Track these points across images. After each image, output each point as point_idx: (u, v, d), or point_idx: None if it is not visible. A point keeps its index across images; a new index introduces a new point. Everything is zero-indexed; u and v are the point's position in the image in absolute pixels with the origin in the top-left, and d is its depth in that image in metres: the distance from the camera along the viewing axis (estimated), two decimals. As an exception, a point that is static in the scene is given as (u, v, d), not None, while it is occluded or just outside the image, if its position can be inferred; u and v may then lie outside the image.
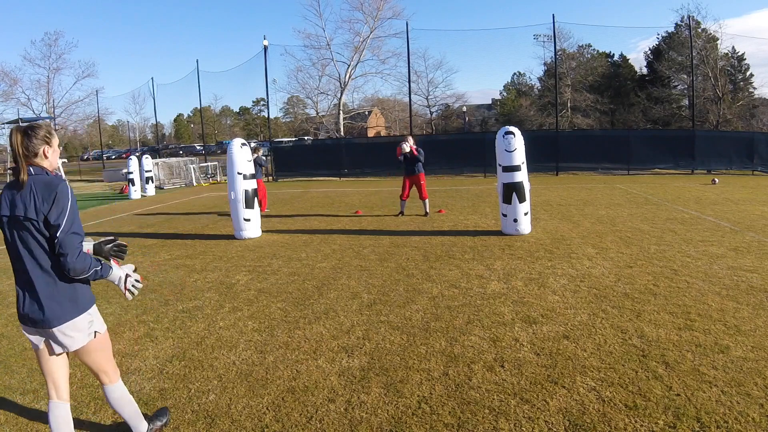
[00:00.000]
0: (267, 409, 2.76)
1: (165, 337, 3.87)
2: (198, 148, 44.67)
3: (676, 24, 30.56)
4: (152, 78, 48.04)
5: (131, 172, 16.47)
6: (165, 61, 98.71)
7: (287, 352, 3.49)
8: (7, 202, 2.05)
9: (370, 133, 44.24)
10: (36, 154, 2.08)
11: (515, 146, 7.02)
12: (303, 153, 22.38)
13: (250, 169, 7.86)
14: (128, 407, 2.40)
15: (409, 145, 8.95)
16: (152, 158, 19.37)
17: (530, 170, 8.56)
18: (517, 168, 7.03)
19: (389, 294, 4.69)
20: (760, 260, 5.33)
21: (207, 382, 3.09)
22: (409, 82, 22.44)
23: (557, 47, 24.77)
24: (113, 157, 48.87)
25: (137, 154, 19.72)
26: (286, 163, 21.68)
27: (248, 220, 7.76)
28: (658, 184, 13.95)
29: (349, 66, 29.27)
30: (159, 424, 2.59)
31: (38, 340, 2.16)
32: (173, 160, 23.81)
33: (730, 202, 9.86)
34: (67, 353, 2.22)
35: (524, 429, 2.46)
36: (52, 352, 2.19)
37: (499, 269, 5.39)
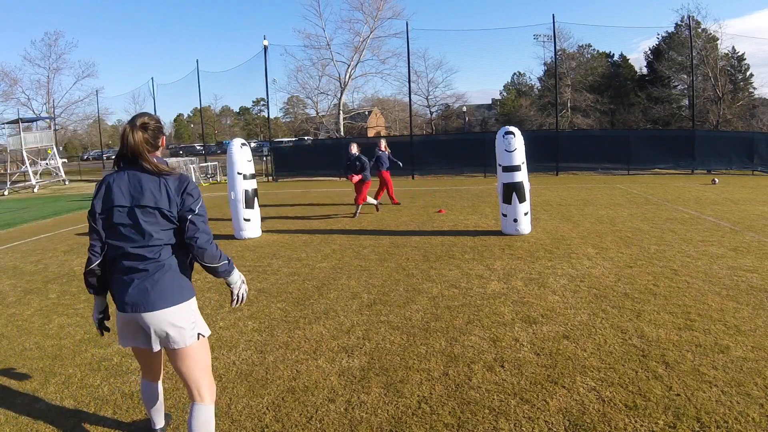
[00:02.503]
0: (267, 409, 2.76)
1: (165, 337, 3.87)
2: (198, 148, 44.66)
3: (676, 24, 30.60)
4: (152, 78, 48.00)
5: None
6: (165, 61, 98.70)
7: (287, 352, 3.49)
8: (123, 192, 2.04)
9: (370, 133, 44.23)
10: (156, 147, 2.12)
11: (515, 146, 7.02)
12: (303, 153, 22.38)
13: (250, 169, 7.86)
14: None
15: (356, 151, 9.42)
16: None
17: (530, 170, 8.56)
18: (517, 168, 7.03)
19: (389, 294, 4.69)
20: (760, 260, 5.33)
21: (207, 382, 3.09)
22: (409, 82, 22.45)
23: (557, 47, 24.78)
24: (113, 157, 48.77)
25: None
26: (286, 163, 21.67)
27: (248, 220, 7.76)
28: (658, 184, 13.95)
29: (349, 66, 29.29)
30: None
31: (134, 335, 2.09)
32: (173, 160, 23.81)
33: (730, 202, 9.86)
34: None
35: (524, 429, 2.46)
36: (147, 351, 2.13)
37: (499, 269, 5.39)
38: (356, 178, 9.30)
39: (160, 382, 2.41)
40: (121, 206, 2.03)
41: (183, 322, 2.05)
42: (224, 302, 4.68)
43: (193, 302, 2.14)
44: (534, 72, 57.57)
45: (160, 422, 2.50)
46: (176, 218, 2.05)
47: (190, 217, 2.03)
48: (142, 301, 1.98)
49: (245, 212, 7.73)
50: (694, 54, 23.03)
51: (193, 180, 2.10)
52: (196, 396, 2.12)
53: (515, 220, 7.13)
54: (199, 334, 2.13)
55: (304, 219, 9.77)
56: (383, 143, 10.77)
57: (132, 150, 2.03)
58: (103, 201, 2.08)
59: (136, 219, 2.01)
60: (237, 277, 2.25)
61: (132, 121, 2.07)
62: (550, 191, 12.88)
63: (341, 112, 30.23)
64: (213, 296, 4.89)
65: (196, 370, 2.11)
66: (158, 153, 2.15)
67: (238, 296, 2.27)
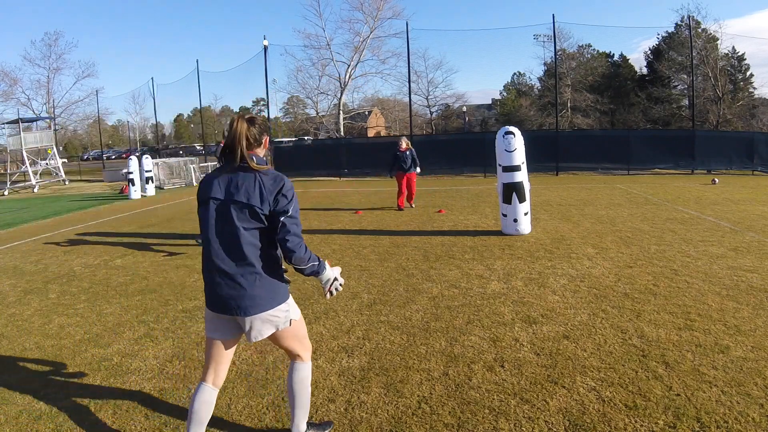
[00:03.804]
0: (267, 409, 2.76)
1: (165, 337, 3.87)
2: (198, 148, 44.66)
3: (676, 24, 30.58)
4: (152, 78, 48.06)
5: (131, 172, 16.46)
6: (165, 61, 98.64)
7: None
8: (220, 186, 2.07)
9: (370, 133, 44.22)
10: (260, 144, 2.14)
11: (515, 146, 7.02)
12: (303, 153, 22.38)
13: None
14: (302, 393, 2.30)
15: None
16: (152, 158, 19.36)
17: (530, 170, 8.56)
18: (517, 168, 7.03)
19: (389, 294, 4.69)
20: (760, 260, 5.33)
21: (207, 382, 3.09)
22: (409, 82, 22.46)
23: (557, 47, 24.78)
24: (113, 157, 48.84)
25: (137, 154, 19.71)
26: (286, 163, 21.68)
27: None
28: (658, 184, 13.95)
29: (349, 66, 29.29)
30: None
31: (222, 329, 2.14)
32: (173, 160, 23.80)
33: (730, 202, 9.86)
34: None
35: (524, 429, 2.46)
36: (229, 344, 2.19)
37: (499, 269, 5.39)
38: (412, 174, 9.99)
39: (303, 363, 2.31)
40: (215, 199, 2.07)
41: (277, 320, 2.13)
42: (224, 302, 4.67)
43: (286, 302, 2.18)
44: (534, 72, 57.55)
45: None
46: (267, 217, 2.06)
47: (283, 219, 2.04)
48: (234, 306, 2.05)
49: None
50: (694, 54, 23.03)
51: (288, 181, 2.13)
52: (296, 359, 2.30)
53: (515, 220, 7.13)
54: (291, 320, 2.20)
55: (304, 219, 9.77)
56: (404, 143, 10.06)
57: (233, 137, 2.05)
58: (201, 193, 2.13)
59: (228, 214, 2.04)
60: (328, 276, 2.22)
61: (242, 114, 2.14)
62: (550, 191, 12.88)
63: (341, 112, 30.22)
64: (213, 296, 4.88)
65: (294, 344, 2.26)
66: (260, 151, 2.16)
67: (329, 292, 2.27)
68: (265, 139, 2.16)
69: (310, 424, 2.44)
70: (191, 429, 2.17)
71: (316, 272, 2.16)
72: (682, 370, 2.97)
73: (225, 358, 2.21)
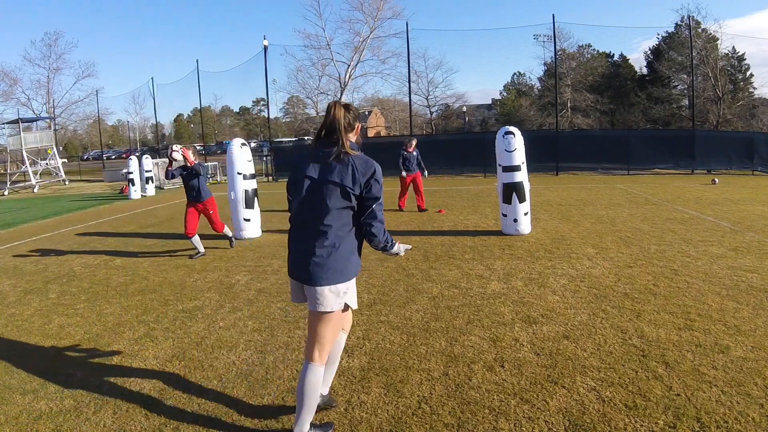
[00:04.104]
0: (267, 409, 2.76)
1: (165, 337, 3.87)
2: (198, 148, 44.59)
3: (676, 24, 30.59)
4: (152, 78, 48.07)
5: (131, 172, 16.47)
6: (165, 61, 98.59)
7: (287, 352, 3.49)
8: (314, 166, 2.23)
9: (370, 133, 44.23)
10: (353, 129, 2.28)
11: (515, 146, 7.02)
12: (303, 153, 22.34)
13: (250, 169, 7.86)
14: (312, 396, 2.29)
15: (180, 152, 6.60)
16: (152, 158, 19.36)
17: (530, 170, 8.56)
18: (517, 168, 7.03)
19: (389, 294, 4.69)
20: (760, 260, 5.33)
21: (207, 382, 3.09)
22: (409, 82, 22.47)
23: (557, 47, 24.78)
24: (113, 157, 48.85)
25: (137, 154, 19.71)
26: (286, 163, 21.68)
27: (248, 220, 7.76)
28: (658, 184, 13.95)
29: (349, 66, 29.30)
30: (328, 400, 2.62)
31: (300, 294, 2.34)
32: (173, 160, 23.77)
33: (730, 202, 9.86)
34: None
35: (524, 429, 2.46)
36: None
37: (499, 269, 5.39)
38: (418, 174, 9.87)
39: (317, 366, 2.31)
40: (310, 177, 2.22)
41: (334, 298, 2.24)
42: (224, 302, 4.68)
43: (352, 281, 2.31)
44: (534, 72, 57.56)
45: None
46: (357, 198, 2.20)
47: (373, 205, 2.22)
48: (308, 274, 2.21)
49: (245, 212, 7.73)
50: (694, 54, 23.03)
51: (378, 167, 2.27)
52: (315, 354, 2.31)
53: (515, 220, 7.13)
54: (346, 304, 2.31)
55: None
56: (413, 143, 9.88)
57: (331, 122, 2.20)
58: (294, 171, 2.29)
59: (320, 192, 2.19)
60: (395, 251, 2.39)
61: (337, 100, 2.30)
62: (550, 191, 12.88)
63: (341, 112, 30.16)
64: (213, 296, 4.89)
65: (326, 333, 2.31)
66: (352, 137, 2.30)
67: (394, 255, 2.44)
68: (357, 125, 2.32)
69: (313, 424, 2.45)
70: (303, 406, 2.29)
71: (389, 248, 2.35)
72: (682, 370, 2.97)
73: (309, 323, 2.36)
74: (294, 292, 2.39)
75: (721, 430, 2.37)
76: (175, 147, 6.62)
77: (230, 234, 7.19)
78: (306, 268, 2.21)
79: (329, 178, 2.18)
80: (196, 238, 6.68)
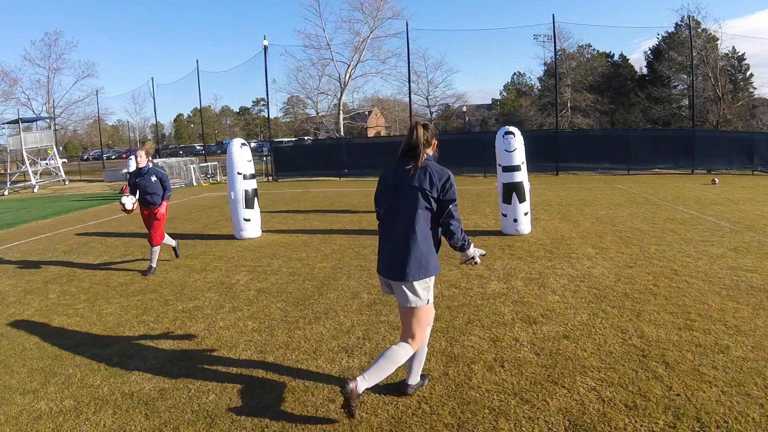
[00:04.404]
0: (267, 409, 2.76)
1: (165, 337, 3.87)
2: (198, 148, 44.65)
3: (676, 24, 30.58)
4: (152, 78, 47.87)
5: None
6: (165, 61, 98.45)
7: (287, 352, 3.48)
8: (398, 176, 2.62)
9: (370, 133, 44.20)
10: (430, 145, 2.67)
11: (515, 146, 7.02)
12: (303, 153, 22.38)
13: (250, 169, 7.86)
14: (389, 367, 2.57)
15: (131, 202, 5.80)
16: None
17: (530, 170, 8.56)
18: (517, 168, 7.03)
19: (389, 294, 4.69)
20: (760, 260, 5.33)
21: (207, 382, 3.09)
22: (409, 82, 22.45)
23: (557, 47, 24.78)
24: (113, 157, 48.84)
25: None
26: (286, 163, 21.68)
27: (248, 220, 7.76)
28: (658, 184, 13.95)
29: (349, 66, 29.27)
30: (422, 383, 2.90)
31: (388, 289, 2.69)
32: (173, 160, 23.81)
33: (730, 202, 9.86)
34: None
35: (524, 429, 2.46)
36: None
37: (499, 269, 5.39)
38: None
39: (408, 346, 2.60)
40: (395, 186, 2.62)
41: (421, 292, 2.57)
42: (224, 302, 4.68)
43: (431, 278, 2.61)
44: (534, 72, 57.53)
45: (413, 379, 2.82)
46: (435, 200, 2.55)
47: (450, 206, 2.55)
48: (397, 272, 2.54)
49: (245, 212, 7.73)
50: (694, 54, 23.02)
51: (451, 174, 2.64)
52: (408, 339, 2.63)
53: (515, 220, 7.13)
54: (428, 300, 2.62)
55: (304, 219, 9.77)
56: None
57: (416, 141, 2.60)
58: (383, 180, 2.71)
59: (404, 198, 2.57)
60: (470, 254, 2.69)
61: (418, 121, 2.68)
62: (550, 191, 12.88)
63: (341, 112, 30.21)
64: (213, 296, 4.89)
65: (416, 326, 2.63)
66: (429, 151, 2.67)
67: (466, 263, 2.74)
68: (434, 142, 2.70)
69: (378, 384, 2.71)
70: (376, 364, 2.54)
71: (463, 249, 2.64)
72: (682, 370, 2.97)
73: (401, 316, 2.68)
74: (384, 287, 2.74)
75: (721, 430, 2.37)
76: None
77: (173, 243, 6.47)
78: (395, 267, 2.55)
79: (411, 184, 2.55)
80: (156, 250, 6.01)
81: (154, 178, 5.84)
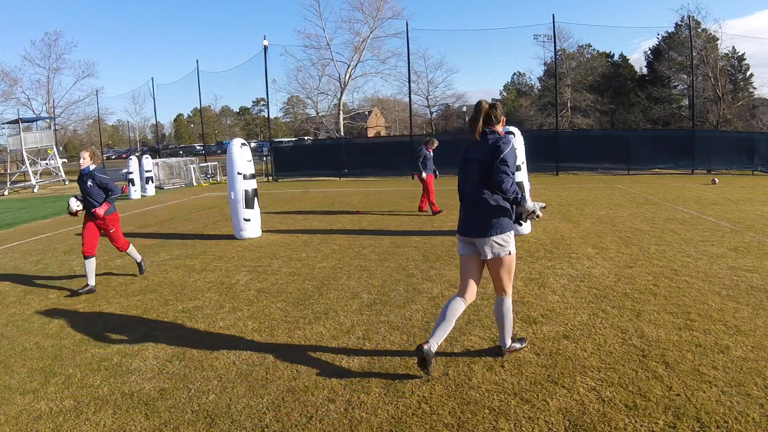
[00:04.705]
0: (267, 409, 2.76)
1: (165, 337, 3.87)
2: (198, 148, 44.65)
3: (676, 24, 30.59)
4: (152, 78, 47.89)
5: (131, 172, 16.47)
6: (165, 61, 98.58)
7: (287, 352, 3.48)
8: (470, 149, 3.06)
9: (370, 133, 44.22)
10: (498, 122, 3.03)
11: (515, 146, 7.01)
12: (303, 153, 22.39)
13: (250, 169, 7.86)
14: (507, 319, 3.10)
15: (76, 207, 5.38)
16: (152, 158, 19.36)
17: (530, 170, 8.56)
18: (516, 168, 7.02)
19: (389, 294, 4.69)
20: (760, 260, 5.33)
21: (207, 382, 3.09)
22: (409, 82, 22.44)
23: (557, 47, 24.77)
24: (113, 157, 48.87)
25: (137, 154, 19.72)
26: (286, 163, 21.68)
27: (248, 220, 7.76)
28: (658, 184, 13.95)
29: (349, 66, 29.30)
30: (518, 346, 3.28)
31: (468, 248, 3.06)
32: (173, 160, 23.80)
33: (730, 202, 9.86)
34: (485, 263, 3.04)
35: (524, 429, 2.46)
36: (473, 260, 3.06)
37: (499, 269, 5.38)
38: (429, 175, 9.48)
39: (507, 298, 3.08)
40: (467, 158, 3.05)
41: (499, 246, 2.96)
42: (224, 302, 4.68)
43: (509, 233, 2.99)
44: (534, 72, 57.52)
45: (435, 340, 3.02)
46: (494, 164, 2.87)
47: (497, 163, 2.86)
48: (477, 230, 2.96)
49: (245, 212, 7.73)
50: (694, 54, 23.02)
51: (507, 139, 2.95)
52: (501, 293, 3.08)
53: (515, 220, 7.12)
54: (510, 251, 2.99)
55: (304, 219, 9.77)
56: (435, 143, 9.70)
57: (477, 113, 2.98)
58: (461, 156, 3.12)
59: (475, 167, 2.97)
60: (528, 207, 3.01)
61: (485, 100, 3.05)
62: (550, 191, 12.88)
63: (341, 112, 30.23)
64: (213, 296, 4.89)
65: (504, 276, 3.02)
66: (498, 128, 3.03)
67: (526, 220, 3.10)
68: (502, 119, 3.06)
69: (515, 338, 3.30)
70: (440, 326, 2.97)
71: (518, 202, 2.94)
72: (682, 370, 2.97)
73: (472, 273, 3.07)
74: (462, 247, 3.11)
75: (721, 430, 2.37)
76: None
77: (138, 258, 5.83)
78: (475, 227, 2.97)
79: (478, 156, 2.94)
80: (91, 264, 5.25)
81: (90, 183, 5.19)
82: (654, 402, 2.63)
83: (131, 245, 5.75)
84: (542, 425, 2.48)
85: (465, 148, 3.09)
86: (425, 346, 2.87)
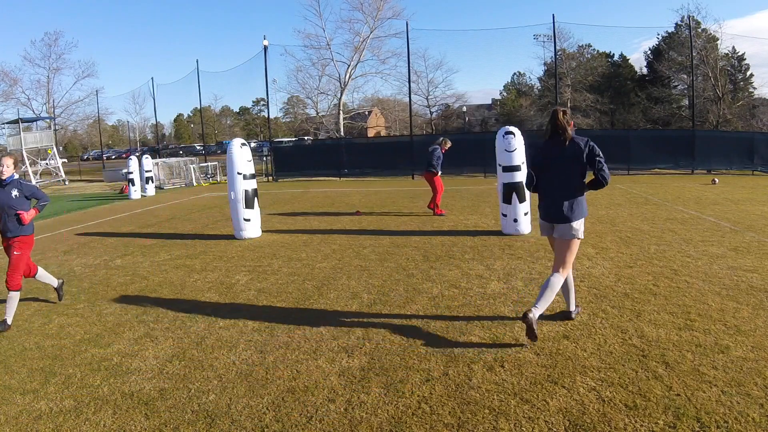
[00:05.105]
0: (267, 409, 2.76)
1: (165, 337, 3.87)
2: (198, 148, 44.64)
3: (676, 24, 30.59)
4: (152, 78, 47.87)
5: (131, 172, 16.47)
6: (165, 61, 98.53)
7: (287, 352, 3.49)
8: (555, 150, 3.51)
9: (370, 133, 44.21)
10: (570, 124, 3.50)
11: (515, 146, 7.02)
12: (303, 153, 22.39)
13: (250, 169, 7.86)
14: (553, 292, 3.46)
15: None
16: (152, 158, 19.36)
17: (530, 170, 8.53)
18: (517, 168, 7.03)
19: (389, 294, 4.69)
20: (760, 260, 5.33)
21: (207, 382, 3.09)
22: (409, 82, 22.44)
23: (557, 47, 24.77)
24: (113, 157, 48.85)
25: (137, 154, 19.72)
26: (286, 163, 21.67)
27: (248, 220, 7.76)
28: (658, 184, 13.95)
29: (349, 66, 29.29)
30: (579, 310, 3.95)
31: (550, 230, 3.60)
32: (173, 160, 23.80)
33: (730, 202, 9.86)
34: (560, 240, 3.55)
35: (524, 429, 2.46)
36: (555, 240, 3.60)
37: (499, 269, 5.39)
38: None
39: (560, 275, 3.53)
40: (554, 157, 3.51)
41: (574, 230, 3.49)
42: (224, 302, 4.67)
43: (582, 220, 3.52)
44: (534, 72, 57.49)
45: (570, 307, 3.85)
46: (585, 161, 3.42)
47: (598, 159, 3.41)
48: (562, 216, 3.48)
49: (245, 212, 7.73)
50: (694, 54, 23.02)
51: (590, 141, 3.50)
52: (559, 269, 3.55)
53: (515, 220, 7.13)
54: (580, 236, 3.53)
55: (304, 219, 9.77)
56: (448, 144, 9.63)
57: (560, 124, 3.48)
58: (537, 154, 3.64)
59: (564, 164, 3.48)
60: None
61: (558, 108, 3.61)
62: (550, 191, 12.85)
63: (341, 112, 30.21)
64: (213, 296, 4.89)
65: (567, 255, 3.54)
66: (570, 130, 3.49)
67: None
68: (571, 123, 3.54)
69: (541, 316, 3.53)
70: (543, 296, 3.44)
71: (604, 185, 3.49)
72: (682, 370, 2.97)
73: (557, 250, 3.60)
74: (544, 230, 3.68)
75: (721, 430, 2.37)
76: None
77: (55, 284, 5.00)
78: (560, 212, 3.47)
79: (567, 155, 3.45)
80: (13, 299, 4.39)
81: (16, 193, 4.43)
82: (654, 402, 2.63)
83: (39, 269, 4.90)
84: (542, 425, 2.48)
85: (542, 149, 3.57)
86: (530, 314, 3.25)
